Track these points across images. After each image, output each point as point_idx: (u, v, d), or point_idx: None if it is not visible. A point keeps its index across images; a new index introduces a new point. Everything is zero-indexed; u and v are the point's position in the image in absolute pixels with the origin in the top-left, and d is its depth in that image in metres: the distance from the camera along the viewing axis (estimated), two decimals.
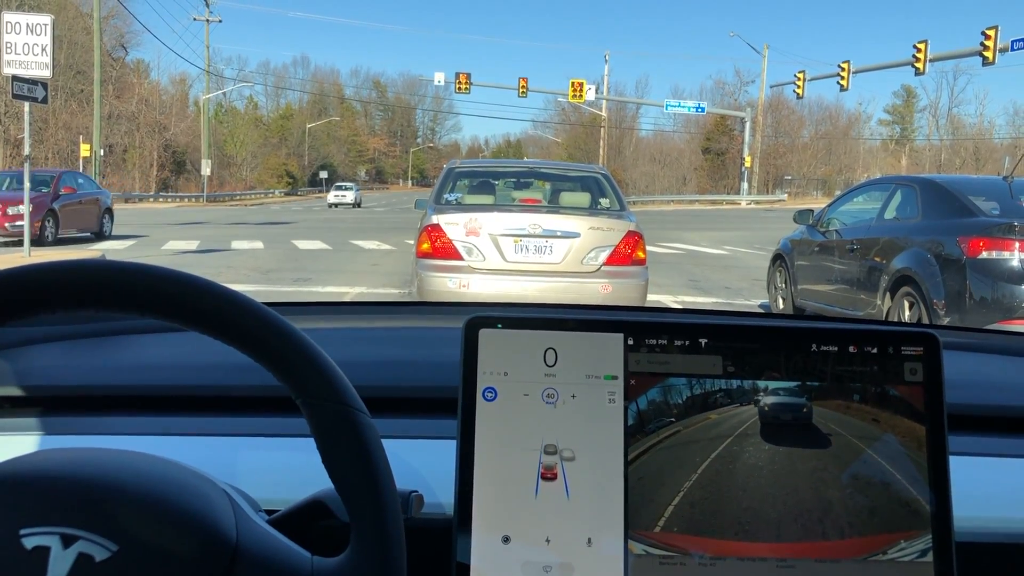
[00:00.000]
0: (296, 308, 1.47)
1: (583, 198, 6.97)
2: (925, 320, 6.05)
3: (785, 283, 8.57)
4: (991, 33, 27.63)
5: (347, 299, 9.31)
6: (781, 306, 8.61)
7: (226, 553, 0.57)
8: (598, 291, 6.02)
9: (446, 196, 6.76)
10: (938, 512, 0.70)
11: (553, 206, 6.83)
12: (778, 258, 8.80)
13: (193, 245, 16.22)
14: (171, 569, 0.55)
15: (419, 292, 6.17)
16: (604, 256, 6.10)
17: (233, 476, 0.74)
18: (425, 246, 6.15)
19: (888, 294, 6.62)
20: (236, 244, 16.61)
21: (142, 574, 0.55)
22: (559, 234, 6.10)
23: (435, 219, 6.17)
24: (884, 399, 0.71)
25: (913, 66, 31.56)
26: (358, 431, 0.58)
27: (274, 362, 0.59)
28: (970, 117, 66.91)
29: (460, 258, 6.09)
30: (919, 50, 30.93)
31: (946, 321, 5.88)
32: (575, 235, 6.10)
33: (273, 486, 0.81)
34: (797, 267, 8.30)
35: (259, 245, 16.52)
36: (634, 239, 6.17)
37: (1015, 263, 5.72)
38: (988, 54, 27.89)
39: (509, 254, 6.10)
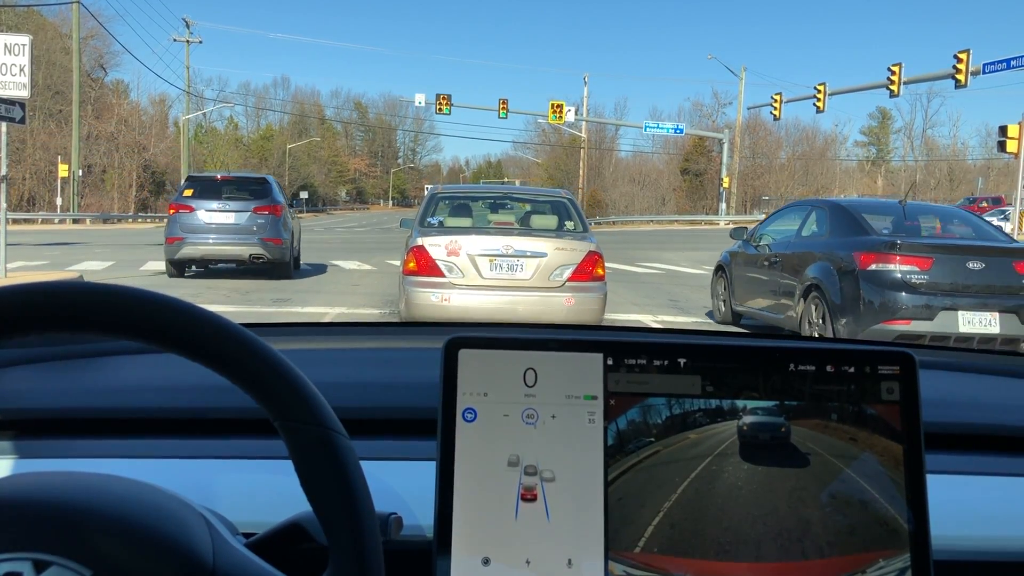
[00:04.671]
0: (275, 329, 1.47)
1: (551, 220, 7.88)
2: (828, 321, 7.29)
3: (725, 290, 9.69)
4: (963, 56, 28.08)
5: (327, 320, 9.27)
6: (723, 310, 9.77)
7: None
8: (562, 303, 6.93)
9: (429, 219, 7.60)
10: (916, 530, 0.70)
11: (524, 228, 7.75)
12: (720, 269, 9.96)
13: None
14: None
15: (405, 305, 7.02)
16: (568, 273, 6.99)
17: (210, 499, 0.73)
18: (411, 264, 7.00)
19: (802, 300, 7.78)
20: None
21: None
22: (529, 254, 6.98)
23: (420, 241, 7.03)
24: (861, 418, 0.72)
25: (888, 88, 32.03)
26: (336, 453, 0.58)
27: (251, 384, 0.58)
28: (944, 138, 67.61)
29: (442, 275, 6.91)
30: (893, 73, 31.41)
31: (843, 322, 7.16)
32: (543, 255, 6.99)
33: (251, 509, 0.80)
34: (735, 277, 9.42)
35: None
36: (594, 258, 7.06)
37: (896, 274, 6.99)
38: (960, 77, 28.33)
39: (485, 271, 6.94)
